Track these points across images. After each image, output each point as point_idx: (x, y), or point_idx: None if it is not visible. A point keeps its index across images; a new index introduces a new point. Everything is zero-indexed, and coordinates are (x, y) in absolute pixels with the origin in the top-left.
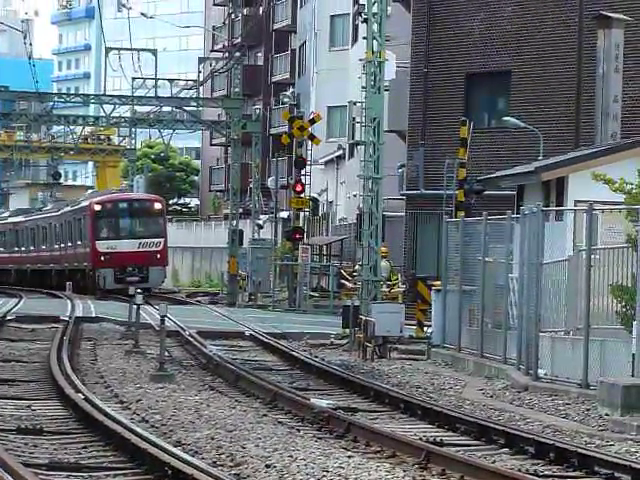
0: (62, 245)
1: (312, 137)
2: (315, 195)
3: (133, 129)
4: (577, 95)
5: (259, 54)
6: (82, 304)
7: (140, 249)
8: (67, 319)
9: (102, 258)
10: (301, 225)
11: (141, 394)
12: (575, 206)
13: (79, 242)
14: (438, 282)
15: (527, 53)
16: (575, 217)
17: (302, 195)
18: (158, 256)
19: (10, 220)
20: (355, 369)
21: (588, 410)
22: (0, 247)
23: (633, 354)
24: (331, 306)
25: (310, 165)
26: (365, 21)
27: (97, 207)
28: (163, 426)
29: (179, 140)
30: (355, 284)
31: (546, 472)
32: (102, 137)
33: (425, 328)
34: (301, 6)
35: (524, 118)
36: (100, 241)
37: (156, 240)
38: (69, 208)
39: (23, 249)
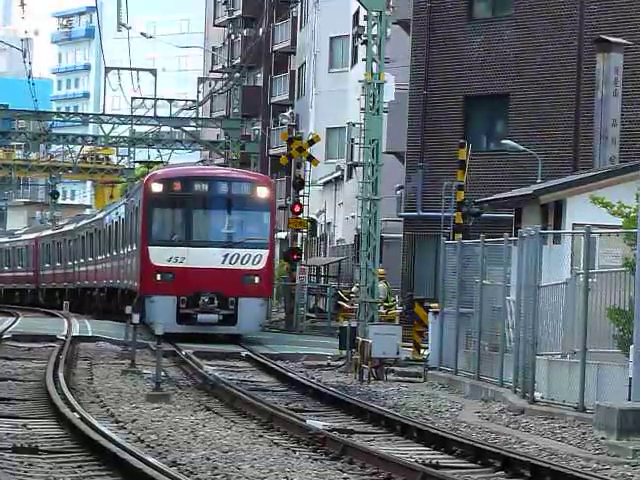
0: (102, 257)
1: (311, 158)
2: (313, 216)
3: (132, 149)
4: (576, 118)
5: (258, 75)
6: (79, 323)
7: (226, 265)
8: (64, 338)
9: (158, 277)
10: (299, 246)
11: (137, 414)
12: (573, 229)
13: (122, 250)
14: (435, 304)
15: (526, 76)
16: (573, 240)
17: (300, 216)
18: (257, 280)
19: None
20: (351, 391)
21: (584, 434)
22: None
23: (630, 378)
24: (328, 327)
25: (308, 186)
26: (365, 43)
27: (156, 187)
28: (159, 446)
29: (178, 160)
30: (352, 305)
31: None
32: (101, 156)
33: (422, 350)
34: (301, 28)
35: (522, 141)
36: (157, 247)
37: (255, 252)
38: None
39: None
